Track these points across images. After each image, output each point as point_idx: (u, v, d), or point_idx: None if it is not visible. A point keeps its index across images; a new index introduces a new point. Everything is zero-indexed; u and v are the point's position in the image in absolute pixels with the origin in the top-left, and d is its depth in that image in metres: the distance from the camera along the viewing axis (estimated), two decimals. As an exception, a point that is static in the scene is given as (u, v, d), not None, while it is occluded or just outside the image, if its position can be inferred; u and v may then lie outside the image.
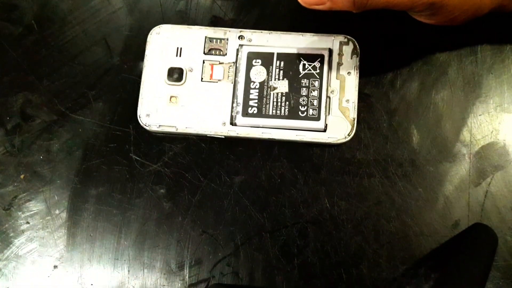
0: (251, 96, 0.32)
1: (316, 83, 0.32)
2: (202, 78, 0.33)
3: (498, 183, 0.32)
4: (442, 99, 0.33)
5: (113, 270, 0.32)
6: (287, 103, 0.32)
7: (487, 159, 0.32)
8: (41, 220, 0.32)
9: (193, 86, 0.33)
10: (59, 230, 0.32)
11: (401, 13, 0.34)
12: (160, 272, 0.32)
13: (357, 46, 0.33)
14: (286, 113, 0.32)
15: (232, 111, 0.32)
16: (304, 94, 0.32)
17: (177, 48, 0.33)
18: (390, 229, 0.32)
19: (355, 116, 0.32)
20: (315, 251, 0.32)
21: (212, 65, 0.33)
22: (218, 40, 0.33)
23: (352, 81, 0.32)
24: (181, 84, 0.33)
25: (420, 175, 0.32)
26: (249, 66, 0.32)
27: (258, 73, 0.32)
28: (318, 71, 0.32)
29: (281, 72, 0.32)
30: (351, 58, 0.33)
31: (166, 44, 0.33)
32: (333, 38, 0.33)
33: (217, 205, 0.32)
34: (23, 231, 0.32)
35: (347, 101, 0.32)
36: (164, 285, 0.32)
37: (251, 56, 0.32)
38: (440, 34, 0.34)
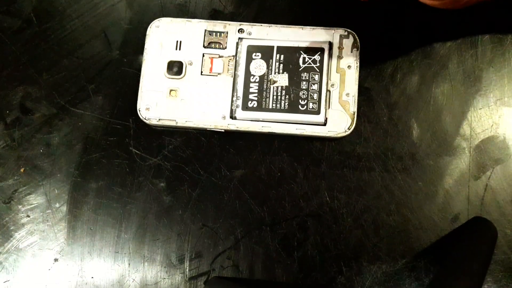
0: (251, 90, 0.32)
1: (316, 77, 0.32)
2: (201, 72, 0.33)
3: (498, 177, 0.32)
4: (442, 92, 0.33)
5: (113, 263, 0.32)
6: (287, 96, 0.32)
7: (487, 152, 0.32)
8: (41, 214, 0.32)
9: (192, 80, 0.32)
10: (60, 223, 0.32)
11: (402, 7, 0.33)
12: (160, 265, 0.32)
13: (357, 40, 0.33)
14: (286, 107, 0.32)
15: (232, 105, 0.32)
16: (304, 87, 0.32)
17: (177, 41, 0.33)
18: (390, 222, 0.32)
19: (355, 109, 0.32)
20: (315, 245, 0.32)
21: (211, 58, 0.33)
22: (218, 34, 0.33)
23: (352, 74, 0.32)
24: (181, 78, 0.32)
25: (420, 168, 0.32)
26: (249, 60, 0.32)
27: (258, 66, 0.32)
28: (318, 64, 0.32)
29: (281, 65, 0.32)
30: (351, 52, 0.32)
31: (165, 37, 0.33)
32: (333, 31, 0.33)
33: (217, 198, 0.32)
34: (23, 225, 0.32)
35: (347, 94, 0.32)
36: (164, 278, 0.32)
37: (251, 50, 0.32)
38: (441, 27, 0.34)
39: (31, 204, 0.33)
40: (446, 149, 0.33)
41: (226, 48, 0.33)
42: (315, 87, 0.32)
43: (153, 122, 0.32)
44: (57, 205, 0.33)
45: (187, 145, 0.33)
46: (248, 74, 0.32)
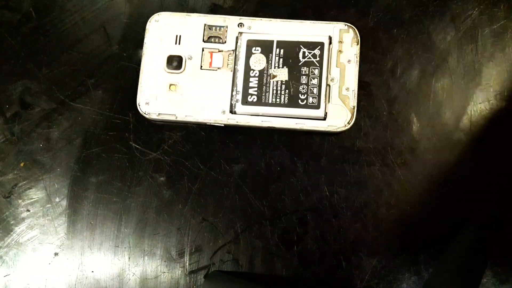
0: (251, 84, 0.32)
1: (316, 71, 0.32)
2: (201, 66, 0.33)
3: (498, 171, 0.32)
4: (442, 87, 0.33)
5: (113, 257, 0.32)
6: (287, 91, 0.32)
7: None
8: (41, 208, 0.32)
9: (192, 74, 0.32)
10: (60, 217, 0.32)
11: (402, 3, 0.33)
12: (160, 260, 0.32)
13: (358, 34, 0.32)
14: (286, 101, 0.32)
15: (231, 99, 0.32)
16: (304, 82, 0.32)
17: (176, 35, 0.33)
18: (390, 217, 0.32)
19: (355, 104, 0.32)
20: (314, 239, 0.32)
21: (211, 53, 0.33)
22: (218, 28, 0.33)
23: (352, 69, 0.32)
24: (181, 72, 0.32)
25: (419, 163, 0.32)
26: (248, 54, 0.32)
27: (258, 61, 0.32)
28: (318, 59, 0.32)
29: (281, 60, 0.32)
30: (351, 46, 0.32)
31: (165, 31, 0.33)
32: (333, 25, 0.33)
33: (217, 193, 0.32)
34: (23, 219, 0.32)
35: (347, 89, 0.32)
36: (164, 272, 0.32)
37: (251, 44, 0.32)
38: (441, 22, 0.34)
39: (31, 199, 0.33)
40: (446, 144, 0.33)
41: (225, 42, 0.33)
42: (315, 81, 0.32)
43: (153, 116, 0.32)
44: (57, 199, 0.33)
45: (187, 140, 0.33)
46: (248, 68, 0.32)
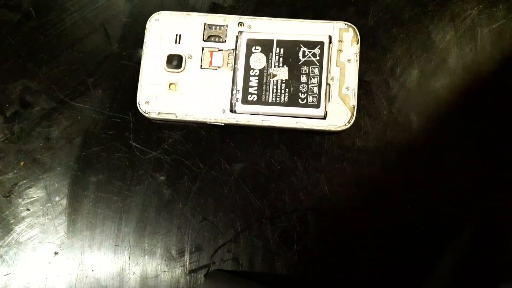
0: (251, 83, 0.32)
1: (316, 70, 0.32)
2: (201, 65, 0.33)
3: (497, 170, 0.32)
4: (442, 86, 0.33)
5: (113, 256, 0.32)
6: (287, 90, 0.32)
7: (486, 146, 0.33)
8: (41, 207, 0.32)
9: (192, 73, 0.32)
10: (60, 217, 0.32)
11: (402, 3, 0.34)
12: (160, 258, 0.32)
13: (358, 33, 0.32)
14: (286, 100, 0.32)
15: (231, 99, 0.32)
16: (304, 81, 0.32)
17: (176, 35, 0.33)
18: (389, 216, 0.32)
19: (355, 103, 0.32)
20: (314, 238, 0.32)
21: (211, 52, 0.33)
22: (218, 27, 0.33)
23: (352, 68, 0.32)
24: (181, 71, 0.32)
25: (420, 162, 0.32)
26: (248, 53, 0.32)
27: (258, 60, 0.32)
28: (318, 58, 0.32)
29: (281, 59, 0.32)
30: (351, 45, 0.32)
31: (165, 31, 0.33)
32: (333, 25, 0.33)
33: (217, 192, 0.32)
34: (23, 218, 0.32)
35: (347, 88, 0.32)
36: (164, 271, 0.32)
37: (251, 43, 0.32)
38: (440, 21, 0.34)
39: (31, 198, 0.33)
40: (446, 143, 0.33)
41: (225, 41, 0.33)
42: (315, 80, 0.32)
43: (153, 115, 0.32)
44: (57, 198, 0.33)
45: (186, 139, 0.33)
46: (248, 67, 0.32)
